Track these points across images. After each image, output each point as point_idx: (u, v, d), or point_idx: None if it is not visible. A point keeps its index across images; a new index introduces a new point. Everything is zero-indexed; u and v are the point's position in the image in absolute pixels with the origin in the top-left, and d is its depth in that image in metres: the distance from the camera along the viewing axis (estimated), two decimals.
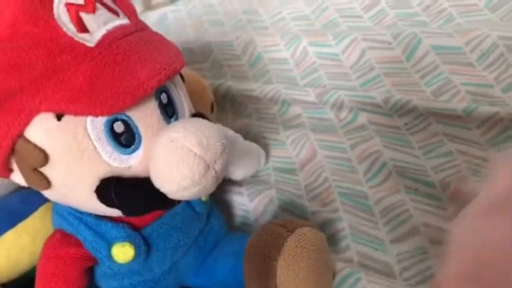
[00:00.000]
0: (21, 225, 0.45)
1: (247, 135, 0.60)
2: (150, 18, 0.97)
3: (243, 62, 0.71)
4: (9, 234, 0.45)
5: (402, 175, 0.47)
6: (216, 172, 0.33)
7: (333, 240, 0.45)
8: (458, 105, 0.48)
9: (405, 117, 0.52)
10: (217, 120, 0.61)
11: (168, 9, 0.97)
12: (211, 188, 0.34)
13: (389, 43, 0.60)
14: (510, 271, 0.22)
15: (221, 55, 0.75)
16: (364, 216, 0.46)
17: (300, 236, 0.39)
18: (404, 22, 0.64)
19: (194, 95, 0.55)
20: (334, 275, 0.42)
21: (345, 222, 0.46)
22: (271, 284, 0.39)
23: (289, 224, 0.40)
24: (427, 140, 0.51)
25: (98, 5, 0.35)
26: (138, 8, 1.29)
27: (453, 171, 0.48)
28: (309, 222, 0.42)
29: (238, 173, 0.53)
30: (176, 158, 0.32)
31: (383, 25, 0.65)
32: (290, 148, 0.56)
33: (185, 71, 0.58)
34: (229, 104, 0.67)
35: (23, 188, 0.49)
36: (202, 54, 0.77)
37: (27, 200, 0.47)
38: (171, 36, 0.87)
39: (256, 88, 0.64)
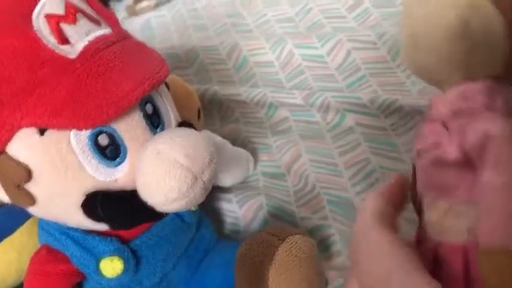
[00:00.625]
0: (7, 241, 0.45)
1: (236, 140, 0.60)
2: (134, 25, 0.96)
3: (228, 66, 0.71)
4: None
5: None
6: (204, 183, 0.33)
7: (323, 245, 0.45)
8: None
9: (392, 117, 0.52)
10: (204, 125, 0.61)
11: (152, 15, 0.96)
12: (199, 199, 0.33)
13: (374, 43, 0.60)
14: None
15: (207, 60, 0.74)
16: (353, 224, 0.46)
17: (291, 244, 0.39)
18: (388, 21, 0.64)
19: (180, 102, 0.54)
20: (326, 283, 0.42)
21: (335, 229, 0.45)
22: None
23: (280, 233, 0.40)
24: (413, 142, 0.51)
25: (79, 15, 0.34)
26: (122, 14, 1.29)
27: None
28: (300, 230, 0.42)
29: (227, 180, 0.52)
30: (163, 170, 0.31)
31: (367, 25, 0.65)
32: (275, 151, 0.56)
33: (171, 77, 0.57)
34: (217, 109, 0.67)
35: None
36: (188, 60, 0.76)
37: (14, 215, 0.46)
38: (156, 42, 0.87)
39: (243, 92, 0.63)
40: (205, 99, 0.66)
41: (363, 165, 0.50)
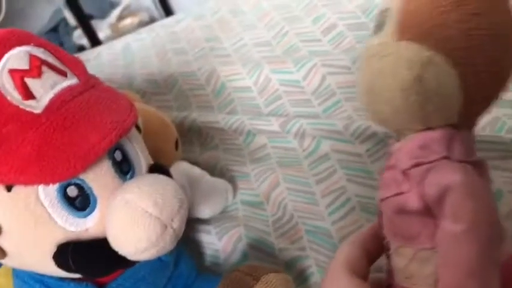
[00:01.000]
0: None
1: (214, 167, 0.60)
2: (115, 49, 0.97)
3: (207, 92, 0.71)
4: None
5: (366, 210, 0.48)
6: (174, 230, 0.33)
7: (301, 277, 0.45)
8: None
9: (366, 143, 0.53)
10: (184, 152, 0.61)
11: (132, 39, 0.97)
12: (170, 247, 0.34)
13: (348, 68, 0.60)
14: None
15: (185, 85, 0.74)
16: (330, 254, 0.46)
17: (266, 283, 0.39)
18: (362, 44, 0.64)
19: (157, 134, 0.54)
20: None
21: (313, 259, 0.46)
22: None
23: (254, 272, 0.41)
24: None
25: (44, 68, 0.34)
26: (106, 31, 1.29)
27: None
28: (274, 268, 0.42)
29: (205, 211, 0.52)
30: (131, 220, 0.32)
31: (342, 48, 0.65)
32: (254, 179, 0.56)
33: (148, 109, 0.58)
34: (196, 136, 0.67)
35: None
36: (167, 86, 0.77)
37: None
38: (136, 67, 0.87)
39: (221, 120, 0.64)
40: (184, 126, 0.66)
41: (339, 194, 0.50)
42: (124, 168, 0.36)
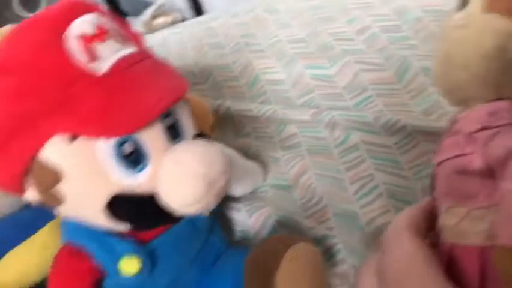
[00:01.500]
0: (31, 239, 0.48)
1: (246, 153, 0.63)
2: (152, 41, 1.00)
3: (241, 84, 0.74)
4: (21, 247, 0.47)
5: (393, 197, 0.50)
6: (217, 189, 0.36)
7: (328, 254, 0.47)
8: (446, 124, 0.51)
9: (395, 136, 0.55)
10: (217, 139, 0.64)
11: (169, 32, 1.00)
12: (213, 204, 0.36)
13: (382, 65, 0.63)
14: None
15: (220, 77, 0.78)
16: (357, 235, 0.48)
17: (296, 251, 0.41)
18: (395, 45, 0.67)
19: (195, 117, 0.57)
20: None
21: (339, 239, 0.48)
22: None
23: (286, 240, 0.43)
24: (416, 159, 0.53)
25: (107, 35, 0.37)
26: (140, 29, 1.33)
27: None
28: (305, 238, 0.44)
29: (237, 190, 0.55)
30: (180, 176, 0.34)
31: (375, 48, 0.68)
32: (284, 164, 0.59)
33: (188, 94, 0.61)
34: (229, 124, 0.70)
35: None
36: (202, 76, 0.80)
37: (38, 215, 0.49)
38: (172, 58, 0.91)
39: (254, 108, 0.66)
40: (218, 114, 0.69)
41: (367, 181, 0.53)
42: (174, 133, 0.39)
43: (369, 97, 0.61)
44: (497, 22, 0.26)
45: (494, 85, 0.27)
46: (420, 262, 0.27)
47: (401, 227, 0.30)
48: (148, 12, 1.78)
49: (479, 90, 0.28)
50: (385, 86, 0.61)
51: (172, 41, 0.97)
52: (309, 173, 0.56)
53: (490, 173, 0.25)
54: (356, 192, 0.52)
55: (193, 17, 1.71)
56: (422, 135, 0.53)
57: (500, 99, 0.28)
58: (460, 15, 0.29)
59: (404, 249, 0.28)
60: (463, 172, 0.27)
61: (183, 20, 1.74)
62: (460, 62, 0.28)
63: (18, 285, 0.47)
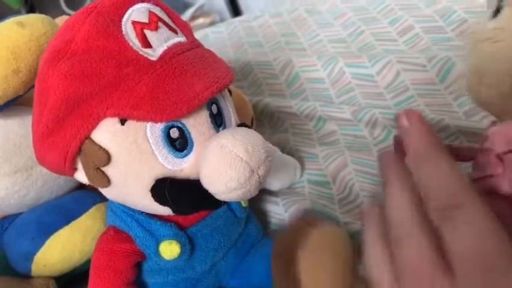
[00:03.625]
0: (74, 224, 0.49)
1: (284, 148, 0.63)
2: None
3: (280, 81, 0.75)
4: (64, 231, 0.48)
5: None
6: (259, 177, 0.36)
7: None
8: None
9: (439, 135, 0.54)
10: None
11: (210, 31, 1.02)
12: (254, 191, 0.37)
13: (423, 66, 0.62)
14: None
15: (260, 74, 0.78)
16: None
17: (324, 233, 0.42)
18: (438, 46, 0.66)
19: (236, 109, 0.58)
20: (357, 273, 0.44)
21: None
22: (297, 277, 0.41)
23: (313, 222, 0.43)
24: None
25: (160, 23, 0.39)
26: None
27: None
28: (332, 221, 0.44)
29: (274, 184, 0.56)
30: (225, 162, 0.35)
31: (418, 49, 0.67)
32: (322, 160, 0.59)
33: (230, 87, 0.62)
34: (267, 119, 0.71)
35: (77, 189, 0.54)
36: (243, 73, 0.81)
37: (81, 201, 0.51)
38: None
39: (294, 105, 0.67)
40: (257, 109, 0.70)
41: None
42: (218, 121, 0.40)
43: (411, 97, 0.61)
44: None
45: None
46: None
47: (432, 148, 0.26)
48: (188, 13, 1.81)
49: (509, 107, 0.26)
50: (427, 87, 0.61)
51: (212, 38, 0.98)
52: (348, 169, 0.56)
53: None
54: None
55: (231, 18, 1.73)
56: (465, 135, 0.52)
57: None
58: (491, 26, 0.27)
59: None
60: (492, 193, 0.26)
61: (222, 21, 1.77)
62: (491, 79, 0.26)
63: (62, 269, 0.49)
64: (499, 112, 0.28)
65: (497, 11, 0.27)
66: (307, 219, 0.45)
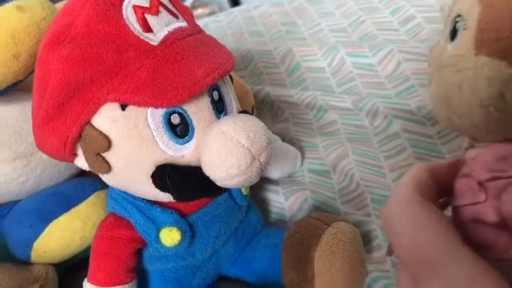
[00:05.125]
0: (74, 210, 0.48)
1: (284, 138, 0.63)
2: None
3: (281, 70, 0.75)
4: (64, 218, 0.48)
5: None
6: (260, 163, 0.36)
7: (365, 239, 0.47)
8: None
9: (438, 125, 0.54)
10: None
11: (209, 20, 1.01)
12: (255, 178, 0.37)
13: (425, 55, 0.62)
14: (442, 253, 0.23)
15: (260, 63, 0.78)
16: None
17: (336, 229, 0.42)
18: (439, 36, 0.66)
19: (238, 98, 0.58)
20: (366, 274, 0.44)
21: (377, 225, 0.48)
22: (309, 273, 0.41)
23: (326, 218, 0.43)
24: (458, 149, 0.52)
25: (161, 8, 0.38)
26: None
27: None
28: (344, 218, 0.44)
29: (275, 172, 0.55)
30: (226, 148, 0.35)
31: (419, 39, 0.67)
32: (322, 150, 0.59)
33: (231, 75, 0.62)
34: (268, 109, 0.70)
35: (77, 176, 0.53)
36: (243, 62, 0.80)
37: (80, 188, 0.51)
38: None
39: (294, 94, 0.67)
40: (257, 98, 0.70)
41: (407, 169, 0.52)
42: (219, 108, 0.40)
43: (411, 87, 0.61)
44: (490, 68, 0.23)
45: (498, 131, 0.24)
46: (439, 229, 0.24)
47: (407, 193, 0.26)
48: (187, 2, 1.80)
49: (483, 135, 0.25)
50: (428, 76, 0.60)
51: (212, 27, 0.98)
52: (348, 159, 0.56)
53: (505, 225, 0.24)
54: (395, 180, 0.52)
55: (230, 8, 1.72)
56: None
57: (508, 139, 0.25)
58: (451, 52, 0.25)
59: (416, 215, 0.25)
60: (479, 221, 0.25)
61: (220, 11, 1.76)
62: (461, 110, 0.25)
63: (61, 256, 0.49)
64: (475, 137, 0.27)
65: (454, 32, 0.26)
66: (320, 215, 0.45)
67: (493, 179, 0.24)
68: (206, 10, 1.83)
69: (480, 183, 0.25)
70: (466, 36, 0.24)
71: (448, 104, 0.25)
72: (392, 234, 0.26)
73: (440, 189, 0.28)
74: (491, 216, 0.24)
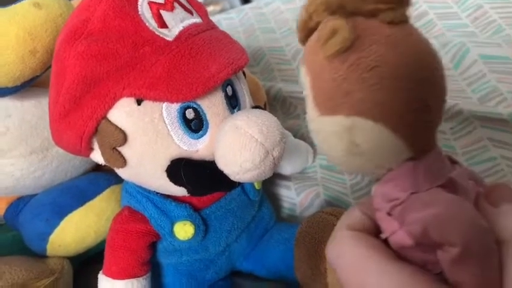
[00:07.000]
0: (88, 205, 0.49)
1: (296, 134, 0.63)
2: None
3: (293, 67, 0.75)
4: (78, 212, 0.48)
5: None
6: (273, 158, 0.36)
7: None
8: (505, 110, 0.50)
9: (451, 121, 0.54)
10: None
11: (221, 17, 1.02)
12: (269, 173, 0.37)
13: (438, 51, 0.62)
14: None
15: (272, 60, 0.78)
16: None
17: None
18: (452, 33, 0.65)
19: (250, 94, 0.58)
20: None
21: None
22: (321, 267, 0.41)
23: (338, 213, 0.43)
24: (471, 145, 0.52)
25: (175, 4, 0.39)
26: None
27: (497, 176, 0.49)
28: None
29: (287, 168, 0.56)
30: (240, 142, 0.35)
31: (432, 35, 0.67)
32: None
33: (244, 71, 0.62)
34: (280, 105, 0.70)
35: (92, 171, 0.54)
36: (255, 59, 0.81)
37: (95, 182, 0.51)
38: None
39: None
40: (269, 95, 0.70)
41: None
42: (233, 103, 0.40)
43: None
44: (333, 124, 0.25)
45: (374, 168, 0.26)
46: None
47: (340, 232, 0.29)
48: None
49: (367, 173, 0.28)
50: None
51: (223, 24, 0.98)
52: None
53: (423, 245, 0.25)
54: None
55: (240, 6, 1.73)
56: (479, 120, 0.52)
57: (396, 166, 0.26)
58: (307, 119, 0.28)
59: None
60: (403, 247, 0.26)
61: (231, 8, 1.76)
62: (333, 159, 0.27)
63: (76, 249, 0.49)
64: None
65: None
66: (332, 210, 0.45)
67: (393, 207, 0.26)
68: (217, 7, 1.83)
69: (389, 214, 0.26)
70: (309, 102, 0.27)
71: (326, 154, 0.28)
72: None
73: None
74: (407, 241, 0.25)
